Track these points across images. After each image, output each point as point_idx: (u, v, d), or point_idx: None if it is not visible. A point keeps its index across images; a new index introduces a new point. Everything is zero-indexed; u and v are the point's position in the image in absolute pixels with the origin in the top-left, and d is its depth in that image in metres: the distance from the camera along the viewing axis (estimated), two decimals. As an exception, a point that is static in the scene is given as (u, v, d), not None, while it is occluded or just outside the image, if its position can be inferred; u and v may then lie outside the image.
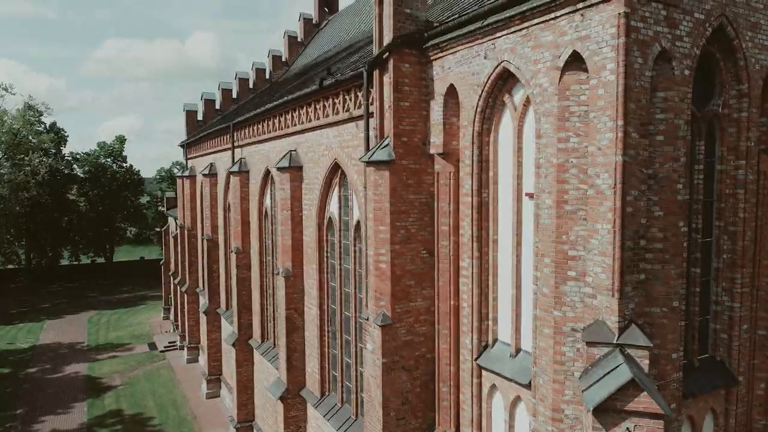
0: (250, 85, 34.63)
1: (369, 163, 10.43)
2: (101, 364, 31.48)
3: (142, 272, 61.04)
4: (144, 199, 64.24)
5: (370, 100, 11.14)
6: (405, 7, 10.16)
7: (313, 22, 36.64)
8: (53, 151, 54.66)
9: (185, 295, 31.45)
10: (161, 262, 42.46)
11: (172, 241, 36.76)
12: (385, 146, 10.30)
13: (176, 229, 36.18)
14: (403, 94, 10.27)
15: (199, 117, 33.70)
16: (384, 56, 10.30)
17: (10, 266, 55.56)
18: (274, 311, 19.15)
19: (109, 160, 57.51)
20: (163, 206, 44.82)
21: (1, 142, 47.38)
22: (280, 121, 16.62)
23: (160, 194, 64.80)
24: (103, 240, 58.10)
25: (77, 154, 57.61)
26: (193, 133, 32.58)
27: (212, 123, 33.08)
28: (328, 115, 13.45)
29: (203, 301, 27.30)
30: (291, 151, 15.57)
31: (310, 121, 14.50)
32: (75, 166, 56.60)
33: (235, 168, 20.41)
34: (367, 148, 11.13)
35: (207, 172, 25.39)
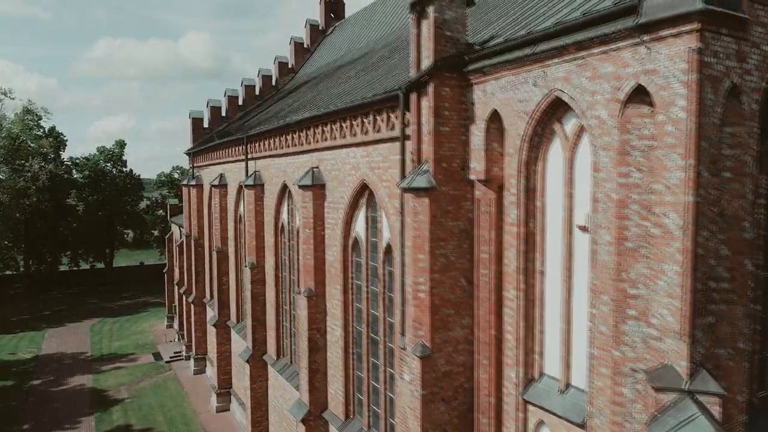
0: (256, 92, 34.33)
1: (407, 190, 10.14)
2: (107, 375, 31.06)
3: (142, 277, 60.59)
4: (142, 204, 63.63)
5: (406, 122, 10.87)
6: (446, 30, 9.89)
7: (320, 28, 36.37)
8: (52, 155, 54.13)
9: (192, 306, 31.06)
10: (164, 270, 42.00)
11: (177, 249, 36.32)
12: (424, 172, 10.02)
13: (181, 238, 35.76)
14: (443, 119, 9.99)
15: (205, 124, 33.29)
16: (423, 79, 10.02)
17: (7, 272, 54.91)
18: (290, 327, 18.84)
19: (108, 164, 56.86)
20: (167, 213, 44.23)
21: (0, 146, 46.79)
22: (299, 137, 16.30)
23: (160, 198, 64.19)
24: (102, 245, 57.50)
25: (77, 159, 57.00)
26: (200, 141, 32.21)
27: (219, 131, 32.72)
28: (355, 135, 13.15)
29: (212, 313, 26.93)
30: (313, 168, 15.26)
31: (335, 139, 14.20)
32: (74, 171, 55.88)
33: (250, 181, 20.08)
34: (403, 173, 10.85)
35: (217, 183, 25.04)
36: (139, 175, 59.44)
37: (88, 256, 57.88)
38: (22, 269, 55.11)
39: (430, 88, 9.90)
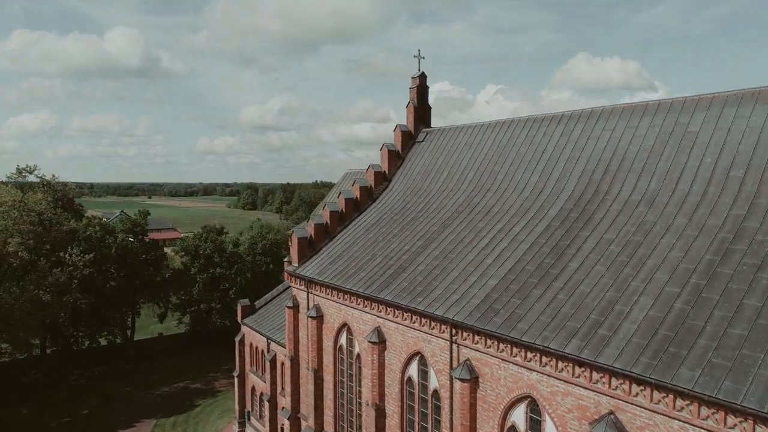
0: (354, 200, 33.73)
1: None
2: None
3: (163, 350, 57.66)
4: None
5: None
6: None
7: (411, 133, 36.16)
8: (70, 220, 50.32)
9: (307, 438, 29.95)
10: (235, 374, 39.88)
11: (268, 364, 34.73)
12: None
13: (277, 356, 34.39)
14: None
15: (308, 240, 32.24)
16: None
17: (17, 356, 50.38)
18: None
19: (131, 236, 53.50)
20: (237, 314, 41.81)
21: (30, 232, 42.99)
22: (580, 372, 16.12)
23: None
24: (123, 320, 54.08)
25: (103, 234, 53.11)
26: (313, 263, 31.12)
27: (326, 247, 31.77)
28: (709, 421, 13.23)
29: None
30: (609, 415, 15.16)
31: (657, 404, 14.21)
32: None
33: (465, 375, 19.62)
34: None
35: (376, 340, 24.30)
36: (161, 244, 56.24)
37: (106, 332, 54.17)
38: (37, 352, 50.77)
39: None
